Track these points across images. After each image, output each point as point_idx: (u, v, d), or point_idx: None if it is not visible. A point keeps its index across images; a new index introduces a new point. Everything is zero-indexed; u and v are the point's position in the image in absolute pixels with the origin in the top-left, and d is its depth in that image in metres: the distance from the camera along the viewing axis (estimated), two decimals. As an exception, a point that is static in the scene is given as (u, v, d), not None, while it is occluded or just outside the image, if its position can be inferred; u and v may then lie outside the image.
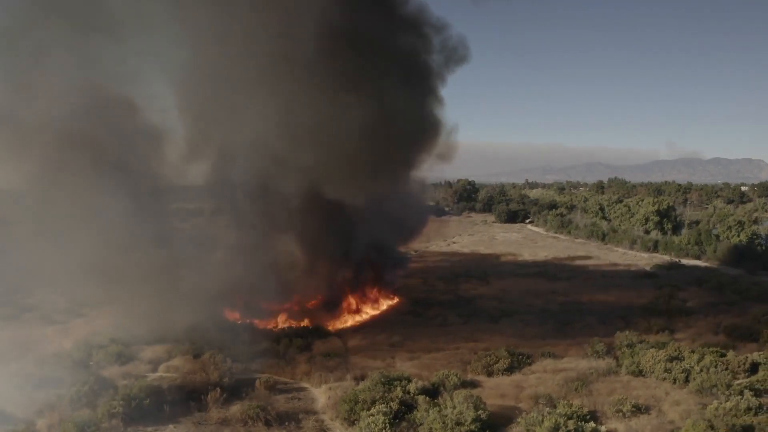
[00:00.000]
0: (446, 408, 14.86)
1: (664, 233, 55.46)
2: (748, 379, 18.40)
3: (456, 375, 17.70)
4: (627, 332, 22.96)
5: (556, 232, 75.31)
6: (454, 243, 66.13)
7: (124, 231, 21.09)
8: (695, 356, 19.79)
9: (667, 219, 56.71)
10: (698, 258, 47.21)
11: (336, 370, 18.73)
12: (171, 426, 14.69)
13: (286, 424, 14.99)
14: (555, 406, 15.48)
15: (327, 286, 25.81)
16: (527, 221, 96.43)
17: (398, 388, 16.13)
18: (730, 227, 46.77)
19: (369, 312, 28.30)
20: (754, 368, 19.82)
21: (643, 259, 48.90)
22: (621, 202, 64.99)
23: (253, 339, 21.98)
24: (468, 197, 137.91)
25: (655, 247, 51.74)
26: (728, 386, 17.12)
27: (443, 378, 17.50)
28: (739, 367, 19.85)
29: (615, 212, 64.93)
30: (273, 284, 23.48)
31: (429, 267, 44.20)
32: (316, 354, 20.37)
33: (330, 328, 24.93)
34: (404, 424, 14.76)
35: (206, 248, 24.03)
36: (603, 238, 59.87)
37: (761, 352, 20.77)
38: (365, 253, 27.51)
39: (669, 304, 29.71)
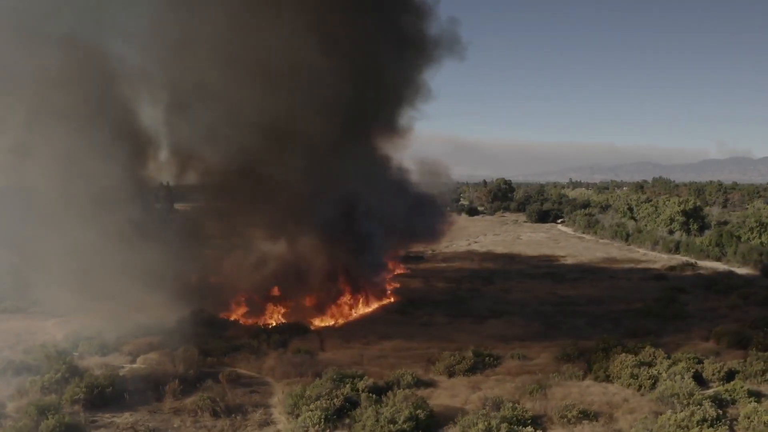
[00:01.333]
0: (385, 406, 15.02)
1: (690, 234, 52.99)
2: (714, 389, 17.54)
3: (411, 374, 17.75)
4: (605, 336, 22.30)
5: (583, 232, 73.30)
6: (476, 243, 65.49)
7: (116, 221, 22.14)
8: (666, 363, 19.04)
9: (693, 219, 54.12)
10: (718, 260, 44.92)
11: (301, 366, 19.10)
12: (128, 414, 15.48)
13: (233, 415, 15.49)
14: (500, 409, 15.34)
15: (306, 284, 26.10)
16: (559, 221, 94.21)
17: (347, 385, 16.39)
18: (751, 228, 44.21)
19: (359, 311, 28.55)
20: (731, 376, 18.91)
21: (662, 261, 46.96)
22: (649, 201, 62.44)
23: (235, 334, 22.73)
24: (504, 197, 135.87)
25: (676, 249, 49.55)
26: (690, 395, 16.38)
27: (399, 377, 17.60)
28: (713, 375, 18.99)
29: (642, 212, 62.51)
30: (258, 280, 24.09)
31: (438, 267, 44.05)
32: (288, 350, 20.81)
33: (315, 325, 25.38)
34: (347, 420, 15.03)
35: (194, 241, 24.75)
36: (626, 238, 57.83)
37: (743, 360, 19.77)
38: (340, 255, 27.53)
39: (667, 308, 28.53)
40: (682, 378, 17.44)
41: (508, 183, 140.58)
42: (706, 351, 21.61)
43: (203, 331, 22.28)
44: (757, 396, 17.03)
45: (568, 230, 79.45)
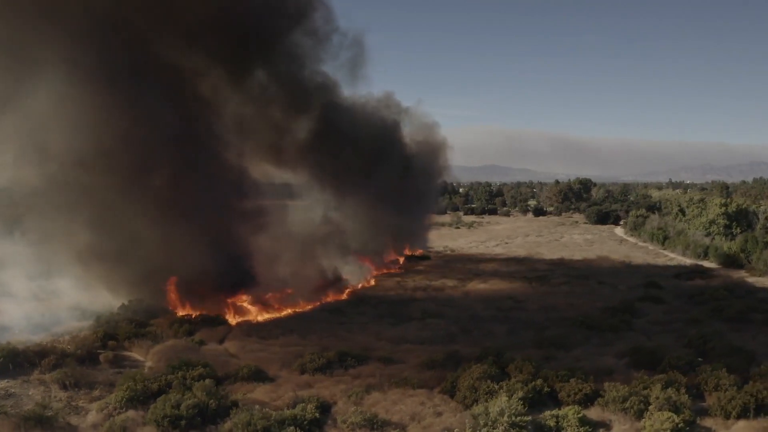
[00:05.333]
0: (188, 393, 15.80)
1: (732, 239, 46.38)
2: (550, 413, 15.57)
3: (250, 368, 18.31)
4: (489, 345, 20.91)
5: (631, 235, 67.17)
6: (506, 243, 62.90)
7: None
8: (520, 377, 17.47)
9: (736, 223, 47.28)
10: (741, 267, 39.00)
11: (184, 353, 20.40)
12: (5, 381, 17.87)
13: (76, 389, 17.24)
14: (295, 407, 15.40)
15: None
16: (621, 222, 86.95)
17: (179, 373, 17.40)
18: (775, 234, 37.76)
19: (301, 307, 29.22)
20: (591, 398, 16.79)
21: (684, 266, 41.87)
22: (702, 201, 55.51)
23: (158, 322, 24.59)
24: (577, 197, 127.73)
25: (705, 254, 43.83)
26: (501, 415, 14.94)
27: (238, 371, 18.25)
28: (569, 396, 16.95)
29: (690, 213, 55.79)
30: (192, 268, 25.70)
31: (428, 267, 43.28)
32: (185, 339, 22.25)
33: (238, 318, 26.55)
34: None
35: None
36: (663, 241, 52.12)
37: (616, 384, 17.23)
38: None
39: (605, 319, 25.73)
40: (510, 397, 15.92)
41: (583, 183, 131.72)
42: (599, 369, 19.36)
43: (134, 317, 24.40)
44: (591, 425, 15.16)
45: (622, 233, 73.19)
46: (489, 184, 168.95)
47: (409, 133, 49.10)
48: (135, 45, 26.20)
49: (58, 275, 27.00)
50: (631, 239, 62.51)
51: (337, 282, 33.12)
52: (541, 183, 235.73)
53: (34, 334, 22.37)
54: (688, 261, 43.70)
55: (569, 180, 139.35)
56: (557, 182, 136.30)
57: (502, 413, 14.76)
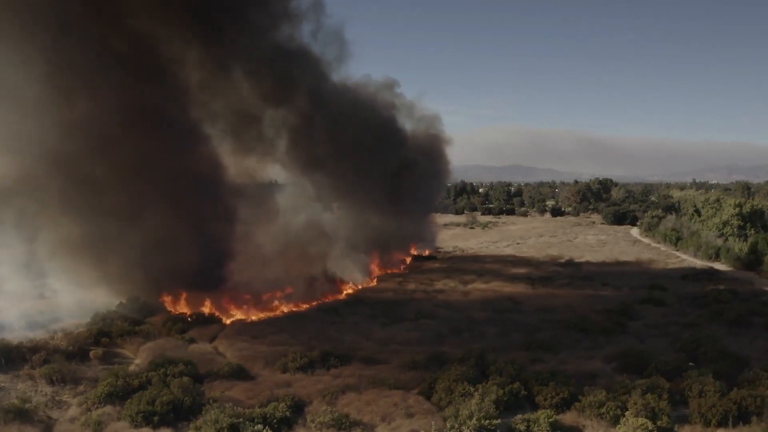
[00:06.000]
0: (165, 389, 16.01)
1: (745, 240, 44.80)
2: (522, 416, 15.22)
3: (231, 366, 18.46)
4: (472, 346, 20.58)
5: (645, 236, 65.55)
6: (518, 244, 62.07)
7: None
8: (498, 380, 17.15)
9: (751, 224, 45.64)
10: (753, 268, 37.60)
11: (172, 351, 20.72)
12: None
13: (63, 384, 17.66)
14: (267, 406, 15.46)
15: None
16: (638, 223, 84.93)
17: (161, 370, 17.65)
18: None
19: (298, 307, 29.33)
20: (569, 403, 16.37)
21: (692, 268, 40.62)
22: (717, 201, 53.81)
23: (153, 320, 24.99)
24: (596, 197, 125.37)
25: (716, 256, 42.45)
26: (470, 417, 14.66)
27: (220, 368, 18.41)
28: (546, 400, 16.57)
29: (705, 213, 54.12)
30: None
31: (433, 268, 42.96)
32: (176, 337, 22.57)
33: (232, 317, 26.79)
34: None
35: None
36: (676, 242, 50.70)
37: (594, 388, 16.74)
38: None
39: (605, 321, 25.12)
40: (482, 399, 15.64)
41: (603, 183, 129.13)
42: (583, 373, 18.88)
43: (131, 315, 24.86)
44: (563, 431, 14.81)
45: (637, 234, 71.47)
46: (508, 184, 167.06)
47: (410, 127, 48.23)
48: (96, 25, 25.07)
49: (57, 273, 27.47)
50: (645, 240, 60.94)
51: (330, 282, 33.03)
52: (563, 183, 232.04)
53: (33, 331, 22.98)
54: (699, 263, 42.38)
55: (589, 180, 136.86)
56: (576, 182, 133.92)
57: (470, 416, 14.55)
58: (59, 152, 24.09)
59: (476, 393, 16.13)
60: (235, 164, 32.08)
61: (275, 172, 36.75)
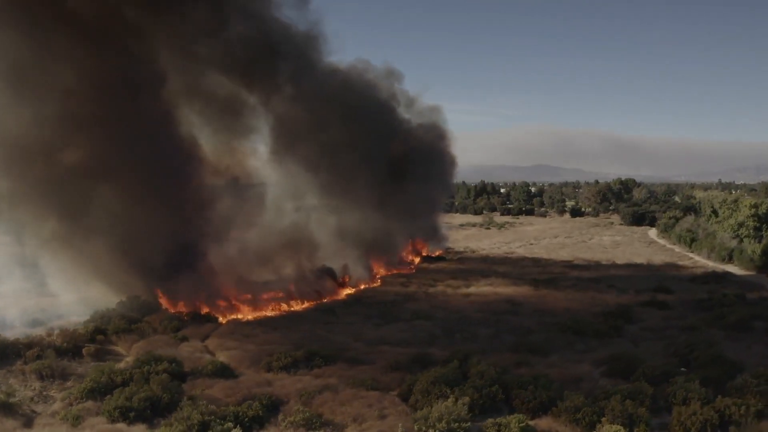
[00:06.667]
0: (145, 386, 16.24)
1: (760, 241, 43.11)
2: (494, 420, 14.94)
3: (215, 365, 18.62)
4: (459, 347, 20.30)
5: (663, 236, 63.81)
6: (531, 245, 61.20)
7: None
8: (477, 382, 16.83)
9: (767, 225, 43.88)
10: (766, 272, 36.13)
11: (163, 348, 21.03)
12: (-5, 371, 18.95)
13: (52, 379, 18.08)
14: (242, 405, 15.52)
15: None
16: (657, 223, 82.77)
17: (146, 367, 17.92)
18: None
19: (297, 307, 29.44)
20: (547, 407, 15.95)
21: (705, 270, 39.30)
22: (734, 202, 51.95)
23: (151, 319, 25.36)
24: (618, 197, 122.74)
25: (729, 258, 40.99)
26: (439, 420, 14.38)
27: (203, 366, 18.59)
28: (523, 404, 16.16)
29: (722, 214, 52.32)
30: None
31: (441, 268, 42.63)
32: (170, 335, 22.89)
33: (232, 316, 27.04)
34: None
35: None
36: (690, 244, 49.16)
37: (572, 393, 16.22)
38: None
39: (601, 324, 24.48)
40: (455, 401, 15.37)
41: (624, 183, 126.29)
42: (568, 377, 18.42)
43: (129, 313, 25.33)
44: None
45: (655, 235, 69.64)
46: (527, 184, 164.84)
47: (414, 123, 47.38)
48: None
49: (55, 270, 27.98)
50: (661, 241, 59.34)
51: (329, 282, 33.03)
52: (587, 183, 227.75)
53: (33, 329, 23.61)
54: (711, 264, 40.99)
55: (611, 180, 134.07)
56: (596, 182, 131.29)
57: (440, 418, 14.34)
58: (32, 141, 23.82)
59: (452, 395, 15.92)
60: (219, 158, 31.02)
61: (264, 170, 36.01)
